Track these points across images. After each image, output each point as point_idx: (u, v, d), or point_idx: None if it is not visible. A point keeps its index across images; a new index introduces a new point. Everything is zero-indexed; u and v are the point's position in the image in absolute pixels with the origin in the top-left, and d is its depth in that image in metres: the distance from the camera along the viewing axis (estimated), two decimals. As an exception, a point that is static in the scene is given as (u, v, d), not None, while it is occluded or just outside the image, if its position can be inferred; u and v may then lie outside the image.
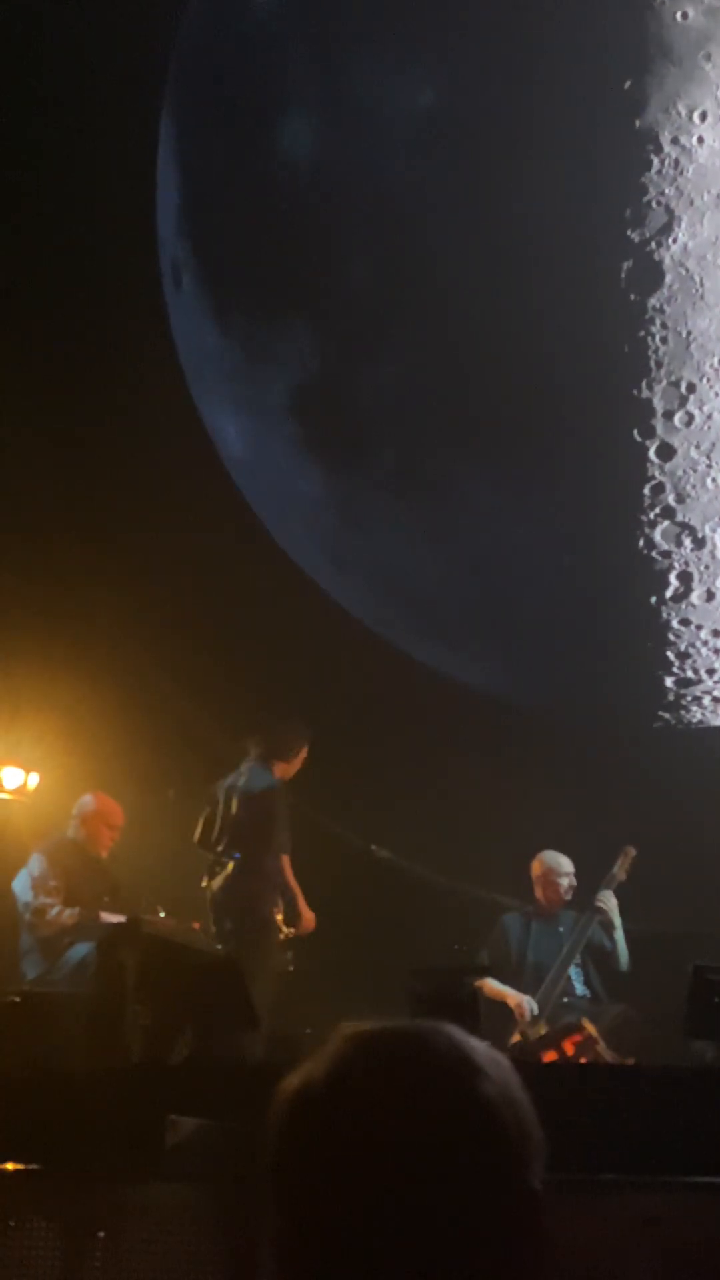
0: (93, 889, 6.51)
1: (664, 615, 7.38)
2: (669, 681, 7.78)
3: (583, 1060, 6.06)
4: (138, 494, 8.14)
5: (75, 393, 8.07)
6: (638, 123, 6.21)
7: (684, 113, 6.19)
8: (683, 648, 7.56)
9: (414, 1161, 1.03)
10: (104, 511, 8.33)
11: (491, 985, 6.58)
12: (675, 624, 7.43)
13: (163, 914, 6.37)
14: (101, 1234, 3.58)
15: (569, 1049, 6.09)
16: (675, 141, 6.23)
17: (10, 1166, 3.89)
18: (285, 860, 6.65)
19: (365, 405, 7.41)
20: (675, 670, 7.70)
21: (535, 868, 7.00)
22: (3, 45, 7.75)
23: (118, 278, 8.14)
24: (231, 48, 7.49)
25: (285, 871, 6.64)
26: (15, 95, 7.86)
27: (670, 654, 7.60)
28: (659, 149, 6.25)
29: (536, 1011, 6.48)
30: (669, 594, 7.28)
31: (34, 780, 7.38)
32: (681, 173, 6.24)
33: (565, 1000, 6.60)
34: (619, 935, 6.73)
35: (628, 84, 6.17)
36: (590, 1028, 6.18)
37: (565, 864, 6.94)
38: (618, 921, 6.74)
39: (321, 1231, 1.04)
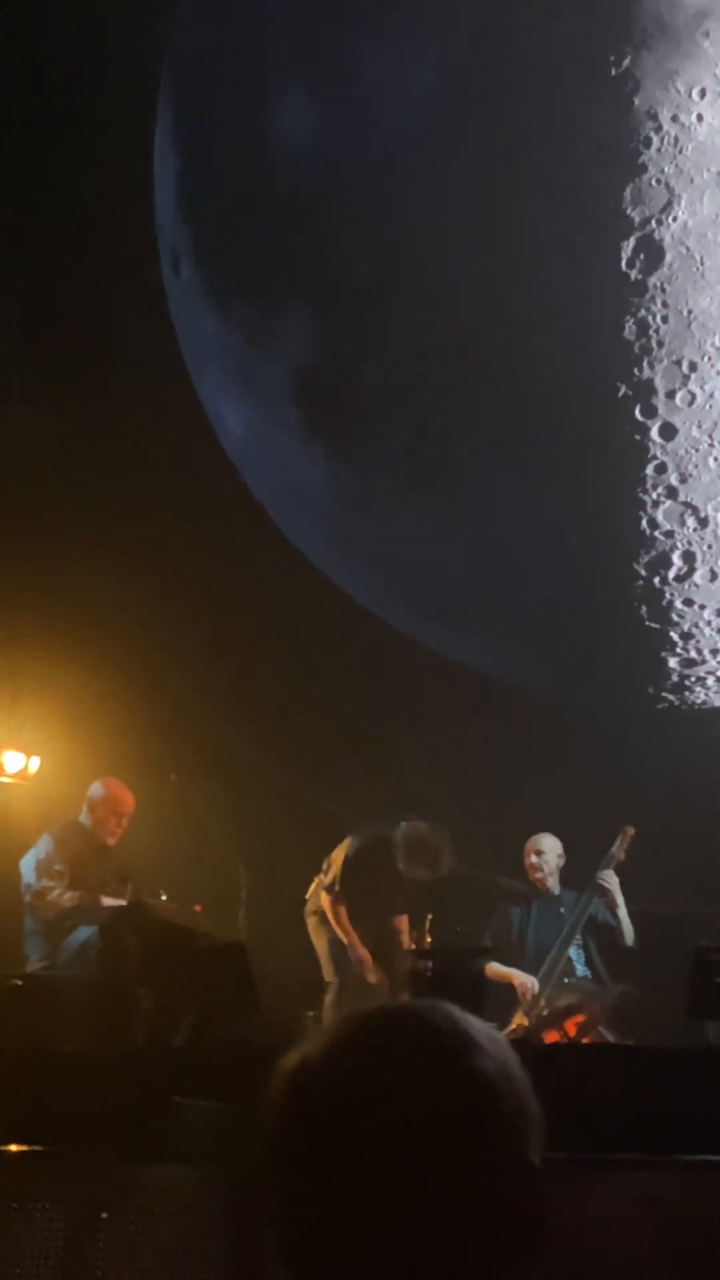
0: (99, 874, 6.50)
1: (667, 596, 7.36)
2: (673, 662, 7.77)
3: (585, 1040, 6.07)
4: (138, 480, 8.12)
5: (75, 380, 8.05)
6: (637, 101, 6.17)
7: (683, 90, 6.15)
8: (686, 628, 7.55)
9: (411, 1136, 1.03)
10: (105, 497, 8.31)
11: (495, 967, 6.59)
12: (679, 604, 7.42)
13: (164, 897, 6.36)
14: (105, 1215, 3.59)
15: (571, 1029, 6.10)
16: (675, 119, 6.19)
17: (14, 1148, 3.90)
18: (325, 900, 6.69)
19: (366, 389, 7.38)
20: (679, 651, 7.69)
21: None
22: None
23: (116, 265, 8.10)
24: (229, 32, 7.44)
25: (329, 911, 6.69)
26: (10, 80, 7.81)
27: (674, 634, 7.58)
28: (658, 127, 6.21)
29: (539, 991, 6.50)
30: (672, 574, 7.27)
31: (35, 764, 7.38)
32: (681, 151, 6.21)
33: (566, 981, 6.61)
34: (622, 912, 6.75)
35: (626, 62, 6.13)
36: (591, 1010, 6.19)
37: (542, 842, 6.98)
38: (620, 899, 6.75)
39: (319, 1206, 1.04)
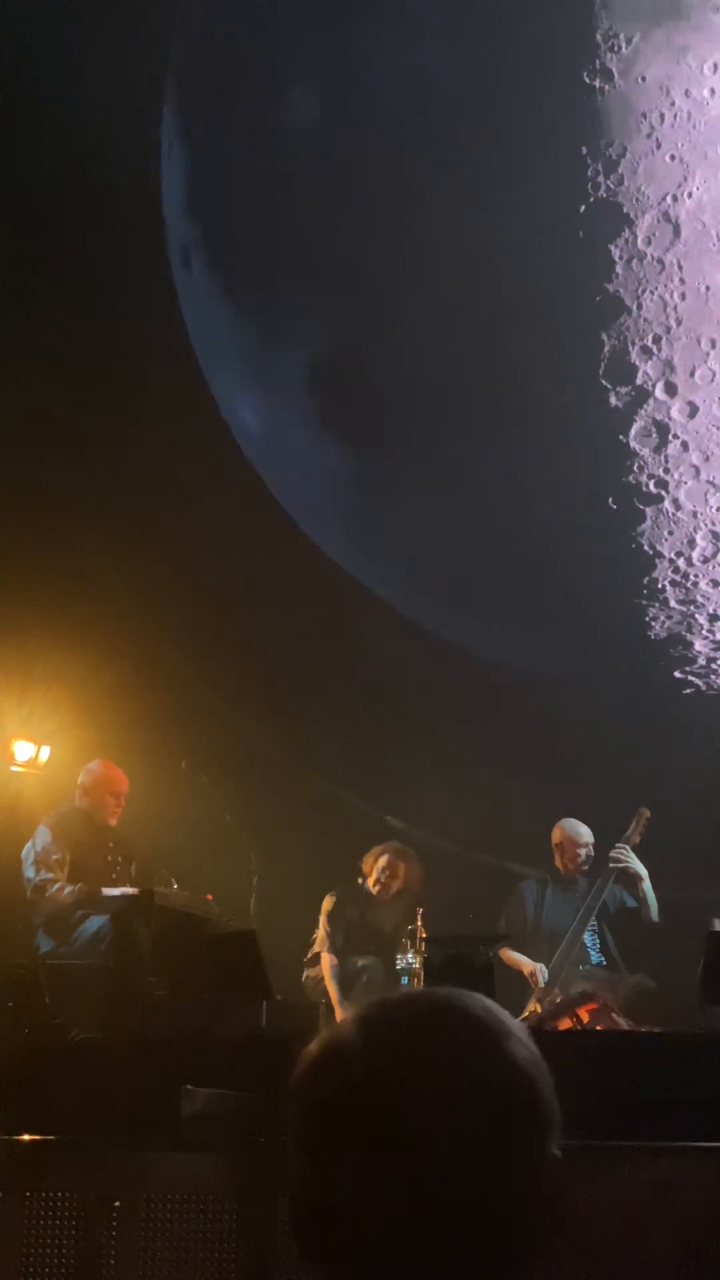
0: (101, 857, 6.47)
1: (693, 578, 7.29)
2: (699, 645, 7.69)
3: (598, 1028, 6.04)
4: (152, 472, 8.10)
5: (87, 378, 8.02)
6: (648, 77, 6.12)
7: (695, 65, 6.09)
8: (713, 609, 7.46)
9: (445, 1125, 1.02)
10: (117, 489, 8.30)
11: (506, 954, 6.56)
12: (704, 586, 7.34)
13: (175, 886, 6.34)
14: (117, 1204, 3.58)
15: (584, 1016, 6.06)
16: (687, 94, 6.14)
17: (26, 1137, 3.89)
18: (325, 958, 6.66)
19: (382, 380, 7.34)
20: (705, 633, 7.60)
21: (555, 835, 6.94)
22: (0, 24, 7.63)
23: (126, 262, 8.06)
24: (233, 24, 7.40)
25: (324, 968, 6.66)
26: (15, 77, 7.76)
27: (701, 617, 7.51)
28: (671, 103, 6.15)
29: (548, 979, 6.47)
30: (696, 555, 7.19)
31: (46, 753, 7.36)
32: (694, 126, 6.15)
33: (581, 969, 6.57)
34: (647, 885, 6.66)
35: (636, 38, 6.08)
36: (605, 997, 6.14)
37: (585, 834, 6.87)
38: (643, 871, 6.66)
39: (343, 1195, 1.03)
